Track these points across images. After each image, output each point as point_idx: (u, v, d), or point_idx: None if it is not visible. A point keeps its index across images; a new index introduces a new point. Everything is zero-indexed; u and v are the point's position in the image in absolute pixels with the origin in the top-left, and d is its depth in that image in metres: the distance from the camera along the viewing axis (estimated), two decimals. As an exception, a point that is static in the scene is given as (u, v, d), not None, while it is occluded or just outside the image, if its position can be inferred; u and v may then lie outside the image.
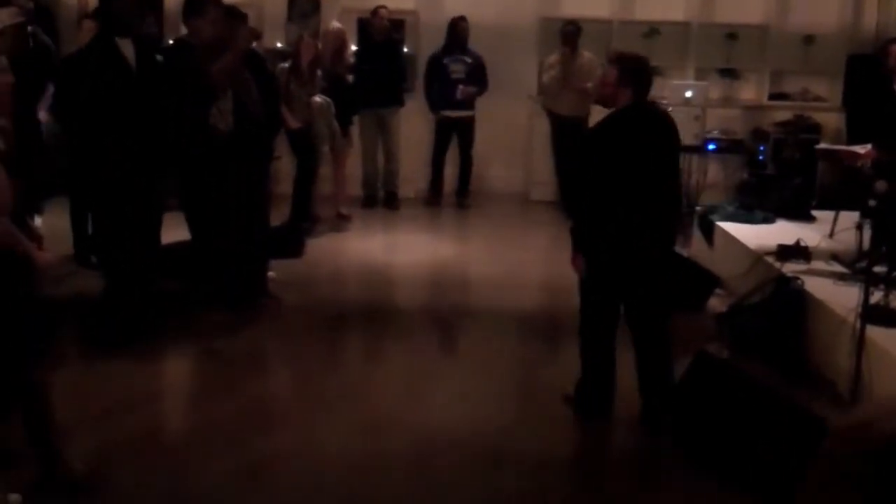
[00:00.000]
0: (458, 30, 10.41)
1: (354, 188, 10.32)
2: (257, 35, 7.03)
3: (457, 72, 10.39)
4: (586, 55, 10.34)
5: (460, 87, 10.29)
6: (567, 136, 10.36)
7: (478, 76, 10.42)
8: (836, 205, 7.58)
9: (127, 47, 5.91)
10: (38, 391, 4.02)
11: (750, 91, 11.39)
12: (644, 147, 4.84)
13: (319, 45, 9.22)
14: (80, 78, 5.85)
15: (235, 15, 6.64)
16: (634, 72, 4.90)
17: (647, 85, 4.96)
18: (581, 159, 5.10)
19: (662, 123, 5.00)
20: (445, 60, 10.43)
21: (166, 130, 6.08)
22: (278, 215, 8.41)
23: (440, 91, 10.44)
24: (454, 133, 10.59)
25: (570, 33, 10.23)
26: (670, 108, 7.73)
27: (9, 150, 4.07)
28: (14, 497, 3.89)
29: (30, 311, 4.05)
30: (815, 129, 10.60)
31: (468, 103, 10.42)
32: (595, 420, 5.14)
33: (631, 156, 4.81)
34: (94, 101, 5.76)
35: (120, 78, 5.83)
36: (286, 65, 8.82)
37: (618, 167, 4.81)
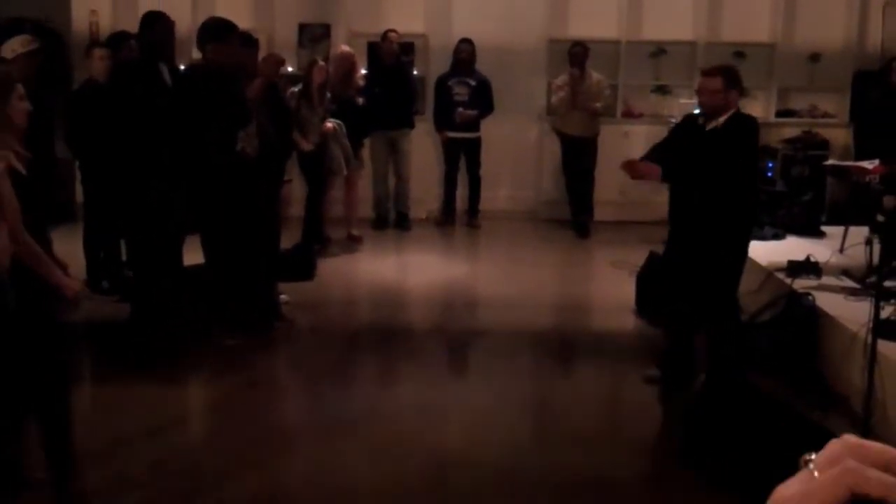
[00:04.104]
0: (460, 52, 10.50)
1: (365, 210, 10.38)
2: (282, 62, 7.14)
3: (460, 94, 10.47)
4: (595, 76, 10.40)
5: (459, 109, 10.38)
6: (577, 155, 10.44)
7: (481, 99, 10.49)
8: (845, 220, 7.60)
9: (164, 71, 6.14)
10: (58, 415, 4.05)
11: (758, 108, 11.38)
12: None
13: (329, 69, 9.31)
14: (118, 100, 6.07)
15: (249, 41, 6.71)
16: (735, 74, 5.64)
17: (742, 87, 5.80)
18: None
19: None
20: (450, 82, 10.52)
21: (196, 153, 6.19)
22: (289, 238, 8.47)
23: (443, 112, 10.53)
24: (462, 154, 10.67)
25: (578, 54, 10.29)
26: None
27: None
28: None
29: (49, 335, 4.10)
30: (824, 146, 10.62)
31: (470, 125, 10.49)
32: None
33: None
34: (136, 121, 5.95)
35: (160, 98, 6.02)
36: (295, 89, 8.89)
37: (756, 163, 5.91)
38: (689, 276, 5.69)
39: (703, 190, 5.53)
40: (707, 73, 5.66)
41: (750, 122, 5.66)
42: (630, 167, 5.76)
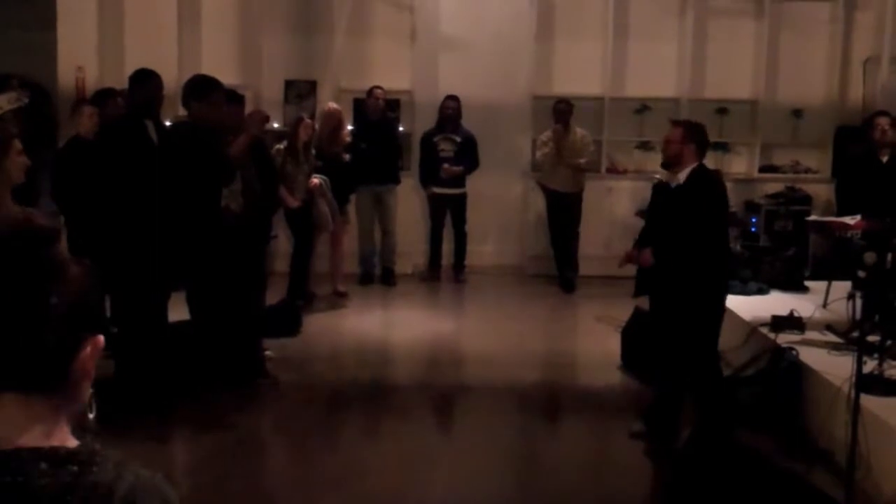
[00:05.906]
0: (446, 109, 10.58)
1: (351, 265, 10.38)
2: (267, 119, 7.20)
3: (445, 150, 10.54)
4: (579, 132, 10.49)
5: (444, 165, 10.44)
6: (562, 211, 10.49)
7: (467, 155, 10.56)
8: (828, 275, 7.64)
9: (150, 128, 6.20)
10: None
11: (741, 164, 11.52)
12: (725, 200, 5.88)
13: (316, 126, 9.37)
14: (105, 156, 6.13)
15: (234, 98, 6.75)
16: (697, 129, 5.71)
17: (707, 144, 5.81)
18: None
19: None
20: (436, 139, 10.60)
21: (182, 210, 6.21)
22: (275, 293, 8.45)
23: (429, 168, 10.59)
24: (448, 209, 10.71)
25: (562, 111, 10.39)
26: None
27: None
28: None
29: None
30: (806, 201, 10.71)
31: (456, 181, 10.55)
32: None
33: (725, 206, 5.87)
34: (124, 178, 6.00)
35: (147, 156, 6.07)
36: (281, 146, 8.93)
37: (722, 216, 5.78)
38: (670, 331, 5.74)
39: (675, 247, 5.66)
40: (673, 123, 5.94)
41: (710, 175, 5.79)
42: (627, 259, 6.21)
